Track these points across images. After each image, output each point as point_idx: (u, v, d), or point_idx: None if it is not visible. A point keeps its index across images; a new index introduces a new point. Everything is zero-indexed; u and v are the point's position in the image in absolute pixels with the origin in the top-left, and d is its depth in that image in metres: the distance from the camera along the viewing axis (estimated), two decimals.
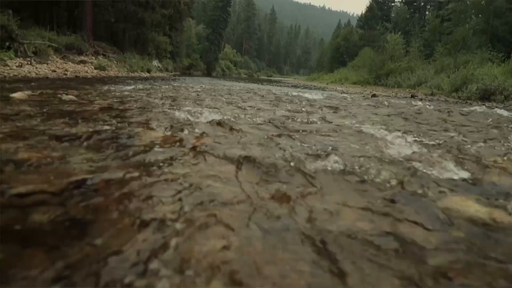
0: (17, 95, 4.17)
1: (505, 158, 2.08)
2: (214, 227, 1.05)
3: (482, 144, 2.59)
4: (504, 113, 5.85)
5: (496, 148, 2.50)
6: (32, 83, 7.45)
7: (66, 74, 12.37)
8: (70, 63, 15.22)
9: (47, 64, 13.26)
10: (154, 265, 0.83)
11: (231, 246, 0.94)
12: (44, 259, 0.83)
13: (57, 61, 14.56)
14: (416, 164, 1.81)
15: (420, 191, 1.45)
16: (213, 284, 0.77)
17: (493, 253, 0.99)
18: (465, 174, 1.72)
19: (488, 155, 2.17)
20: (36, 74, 10.95)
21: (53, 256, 0.85)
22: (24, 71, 10.84)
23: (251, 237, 1.00)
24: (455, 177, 1.68)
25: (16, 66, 11.10)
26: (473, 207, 1.30)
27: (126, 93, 5.95)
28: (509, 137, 3.01)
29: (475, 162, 1.91)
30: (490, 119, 4.67)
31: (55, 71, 12.48)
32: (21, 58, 12.31)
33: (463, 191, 1.49)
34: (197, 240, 0.96)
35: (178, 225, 1.04)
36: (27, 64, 12.00)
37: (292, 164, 1.72)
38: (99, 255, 0.85)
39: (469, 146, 2.47)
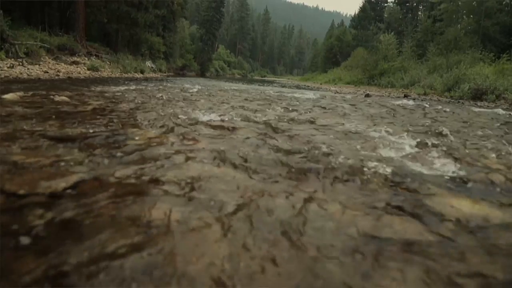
0: (8, 96, 4.12)
1: None
2: (209, 232, 1.05)
3: None
4: None
5: None
6: (24, 84, 7.38)
7: (58, 75, 12.25)
8: (62, 64, 15.07)
9: (39, 65, 13.12)
10: (150, 267, 0.82)
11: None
12: (39, 261, 0.83)
13: (49, 62, 14.41)
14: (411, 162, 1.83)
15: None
16: None
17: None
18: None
19: None
20: (28, 75, 10.83)
21: (48, 258, 0.84)
22: (16, 72, 10.71)
23: None
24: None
25: (7, 67, 10.96)
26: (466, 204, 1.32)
27: (119, 94, 5.92)
28: None
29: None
30: None
31: (47, 72, 12.36)
32: (13, 59, 12.16)
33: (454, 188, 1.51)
34: (192, 243, 0.96)
35: (174, 226, 1.04)
36: (19, 65, 11.86)
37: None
38: (94, 258, 0.85)
39: None
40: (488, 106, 9.10)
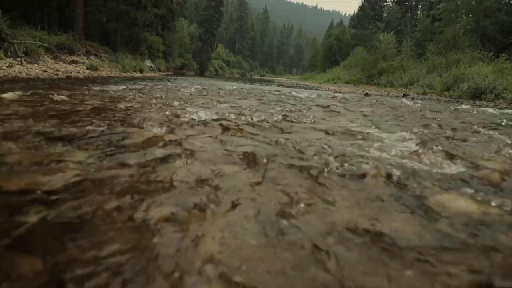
0: (7, 95, 4.12)
1: None
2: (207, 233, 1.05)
3: None
4: None
5: None
6: (23, 84, 7.37)
7: (57, 74, 12.24)
8: (61, 63, 15.07)
9: (38, 64, 13.11)
10: (148, 267, 0.83)
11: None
12: (35, 260, 0.83)
13: (48, 61, 14.40)
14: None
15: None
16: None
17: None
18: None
19: None
20: (27, 74, 10.82)
21: (44, 257, 0.84)
22: (15, 71, 10.71)
23: None
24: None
25: (6, 66, 10.96)
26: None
27: (118, 93, 5.92)
28: None
29: None
30: None
31: (46, 71, 12.35)
32: (11, 58, 12.16)
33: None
34: (191, 242, 0.96)
35: (170, 227, 1.04)
36: (18, 64, 11.85)
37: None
38: (93, 256, 0.85)
39: None
40: (487, 105, 9.12)
